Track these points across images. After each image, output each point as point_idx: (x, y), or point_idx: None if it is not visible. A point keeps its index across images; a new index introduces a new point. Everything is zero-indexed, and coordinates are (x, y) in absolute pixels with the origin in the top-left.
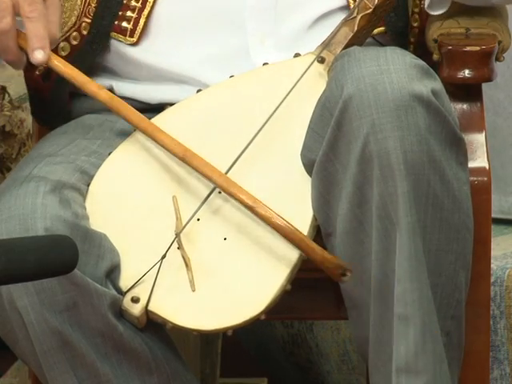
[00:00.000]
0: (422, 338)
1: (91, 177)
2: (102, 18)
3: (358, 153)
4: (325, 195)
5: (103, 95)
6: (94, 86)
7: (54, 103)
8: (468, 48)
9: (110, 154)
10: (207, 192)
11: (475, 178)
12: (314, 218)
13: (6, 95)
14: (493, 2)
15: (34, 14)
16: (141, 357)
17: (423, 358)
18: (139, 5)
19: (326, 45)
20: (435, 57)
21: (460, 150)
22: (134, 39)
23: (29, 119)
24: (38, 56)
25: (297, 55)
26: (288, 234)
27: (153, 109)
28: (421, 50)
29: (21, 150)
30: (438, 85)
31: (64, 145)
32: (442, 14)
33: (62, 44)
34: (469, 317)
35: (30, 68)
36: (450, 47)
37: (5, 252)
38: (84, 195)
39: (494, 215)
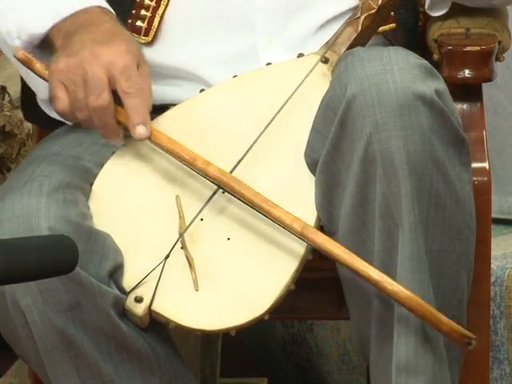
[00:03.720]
0: (422, 337)
1: (94, 176)
2: (117, 16)
3: (361, 152)
4: (328, 195)
5: (212, 171)
6: (202, 162)
7: None
8: (468, 48)
9: (113, 154)
10: (211, 192)
11: (475, 178)
12: (319, 218)
13: (6, 95)
14: (493, 3)
15: (132, 90)
16: (143, 356)
17: (423, 357)
18: (153, 4)
19: (330, 45)
20: (435, 57)
21: (463, 150)
22: (149, 38)
23: None
24: (141, 131)
25: (300, 55)
26: (413, 306)
27: (157, 109)
28: (424, 50)
29: (21, 149)
30: (441, 85)
31: (67, 144)
32: (442, 14)
33: None
34: (469, 317)
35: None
36: (450, 47)
37: (5, 252)
38: (87, 195)
39: (494, 215)
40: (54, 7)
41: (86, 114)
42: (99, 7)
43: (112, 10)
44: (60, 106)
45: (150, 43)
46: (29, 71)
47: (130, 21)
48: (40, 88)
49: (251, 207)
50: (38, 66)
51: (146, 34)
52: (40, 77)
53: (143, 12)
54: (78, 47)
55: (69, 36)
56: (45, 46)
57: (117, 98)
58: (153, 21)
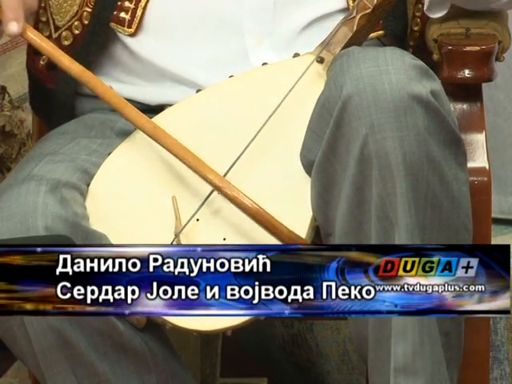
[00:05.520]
0: (420, 338)
1: (92, 176)
2: (103, 8)
3: (357, 153)
4: (324, 196)
5: (75, 69)
6: (67, 60)
7: (58, 95)
8: (468, 48)
9: (109, 154)
10: (207, 192)
11: (475, 178)
12: (314, 219)
13: (6, 95)
14: (492, 6)
15: None
16: (140, 356)
17: (421, 358)
18: None
19: (326, 45)
20: (435, 57)
21: (459, 151)
22: (132, 30)
23: (29, 119)
24: (12, 28)
25: (296, 55)
26: (253, 215)
27: (152, 110)
28: (420, 54)
29: (21, 149)
30: (437, 85)
31: (65, 144)
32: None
33: (64, 33)
34: (469, 316)
35: (34, 58)
36: (450, 47)
37: None
38: (84, 195)
39: (493, 215)
40: None
41: None
42: None
43: None
44: None
45: (133, 34)
46: None
47: (115, 12)
48: None
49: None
50: None
51: (130, 26)
52: None
53: (127, 4)
54: None
55: None
56: None
57: None
58: (135, 12)
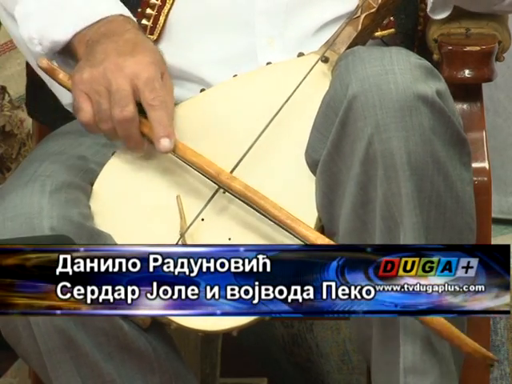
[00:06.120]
0: (428, 338)
1: (96, 176)
2: None
3: (362, 153)
4: (328, 195)
5: (237, 187)
6: (226, 177)
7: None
8: (468, 48)
9: (113, 154)
10: (211, 192)
11: (475, 178)
12: (319, 219)
13: (6, 95)
14: (494, 9)
15: (157, 102)
16: (144, 356)
17: (430, 357)
18: (159, 2)
19: (330, 44)
20: (435, 57)
21: (464, 151)
22: (154, 37)
23: (29, 119)
24: (165, 144)
25: (300, 55)
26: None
27: None
28: (422, 53)
29: (21, 149)
30: (442, 85)
31: (68, 144)
32: None
33: None
34: (469, 317)
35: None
36: (450, 47)
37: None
38: (89, 195)
39: (493, 215)
40: (77, 14)
41: (110, 126)
42: (122, 15)
43: (134, 19)
44: (84, 118)
45: (155, 42)
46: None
47: (135, 19)
48: (63, 94)
49: (273, 222)
50: (62, 75)
51: (152, 33)
52: (63, 86)
53: (149, 10)
54: (102, 57)
55: (92, 45)
56: (66, 52)
57: (139, 110)
58: (158, 19)
